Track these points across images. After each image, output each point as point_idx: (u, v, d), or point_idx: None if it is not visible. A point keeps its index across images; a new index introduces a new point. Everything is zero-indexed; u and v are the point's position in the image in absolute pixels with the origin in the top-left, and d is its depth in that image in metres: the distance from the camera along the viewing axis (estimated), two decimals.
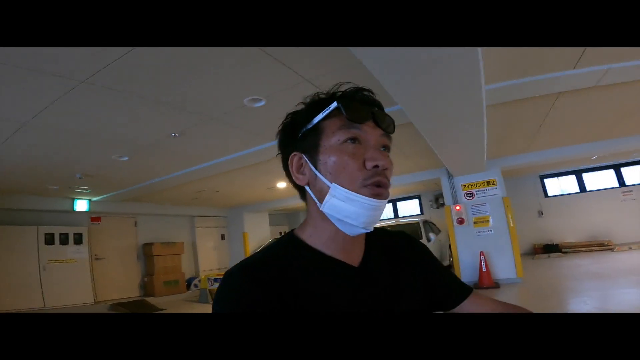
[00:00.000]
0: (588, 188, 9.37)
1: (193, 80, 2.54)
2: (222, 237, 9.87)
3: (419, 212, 10.95)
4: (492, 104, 3.35)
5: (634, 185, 8.82)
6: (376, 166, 0.55)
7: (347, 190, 0.55)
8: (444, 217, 6.84)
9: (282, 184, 6.84)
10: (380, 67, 2.15)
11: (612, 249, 8.13)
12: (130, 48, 2.04)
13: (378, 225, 0.63)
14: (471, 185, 6.41)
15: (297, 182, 0.61)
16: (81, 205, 6.59)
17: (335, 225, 0.58)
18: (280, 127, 0.64)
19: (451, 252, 6.76)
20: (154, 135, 3.53)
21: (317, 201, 0.59)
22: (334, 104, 0.57)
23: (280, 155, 0.65)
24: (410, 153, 5.33)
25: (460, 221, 6.41)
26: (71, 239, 6.62)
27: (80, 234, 6.77)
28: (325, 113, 0.58)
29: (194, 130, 3.49)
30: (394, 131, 0.62)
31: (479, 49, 2.11)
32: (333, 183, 0.56)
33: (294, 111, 0.64)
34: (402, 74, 2.23)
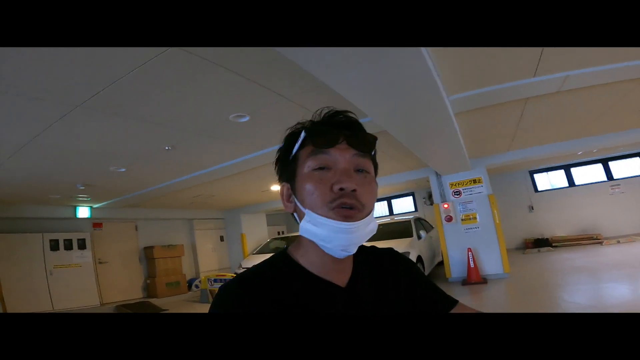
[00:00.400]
0: (577, 182, 9.48)
1: (180, 101, 2.76)
2: (221, 239, 10.12)
3: (413, 209, 11.17)
4: (461, 111, 3.55)
5: (622, 178, 8.93)
6: (342, 189, 0.56)
7: (316, 214, 0.57)
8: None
9: (275, 187, 7.06)
10: (344, 88, 2.35)
11: (600, 243, 8.21)
12: (118, 77, 2.26)
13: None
14: (458, 184, 6.55)
15: (286, 209, 0.65)
16: (83, 212, 6.86)
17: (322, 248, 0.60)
18: (274, 162, 0.68)
19: None
20: (148, 149, 3.77)
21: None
22: (303, 134, 0.61)
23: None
24: (394, 154, 5.53)
25: (449, 219, 6.54)
26: (75, 244, 6.91)
27: (84, 240, 7.07)
28: (299, 143, 0.61)
29: (186, 143, 3.72)
30: (371, 150, 0.62)
31: (431, 66, 2.32)
32: (306, 209, 0.58)
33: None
34: (365, 93, 2.44)
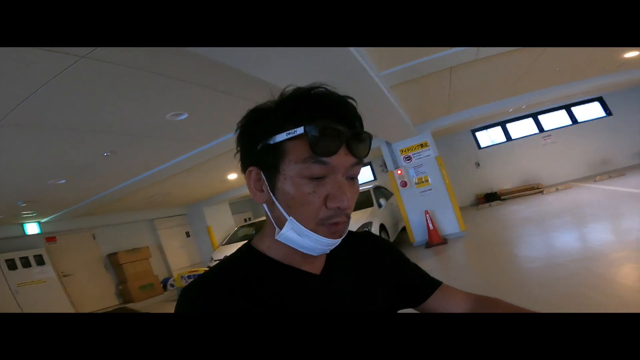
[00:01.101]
0: (513, 137, 10.19)
1: (109, 107, 2.69)
2: (187, 235, 9.98)
3: (372, 178, 11.63)
4: (395, 84, 3.77)
5: (552, 129, 9.74)
6: (338, 207, 0.51)
7: (303, 227, 0.52)
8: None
9: (232, 176, 7.05)
10: (274, 79, 2.42)
11: (542, 192, 8.82)
12: (30, 91, 2.16)
13: None
14: (408, 150, 6.73)
15: (255, 199, 0.56)
16: (31, 228, 6.54)
17: None
18: (240, 125, 0.56)
19: None
20: (85, 158, 3.64)
21: (274, 225, 0.55)
22: (300, 130, 0.49)
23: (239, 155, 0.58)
24: None
25: (404, 184, 6.73)
26: (32, 261, 6.61)
27: (40, 255, 6.75)
28: (290, 135, 0.50)
29: (125, 147, 3.64)
30: (368, 153, 0.54)
31: (354, 51, 2.45)
32: (290, 217, 0.52)
33: (256, 108, 0.55)
34: (298, 82, 2.52)
